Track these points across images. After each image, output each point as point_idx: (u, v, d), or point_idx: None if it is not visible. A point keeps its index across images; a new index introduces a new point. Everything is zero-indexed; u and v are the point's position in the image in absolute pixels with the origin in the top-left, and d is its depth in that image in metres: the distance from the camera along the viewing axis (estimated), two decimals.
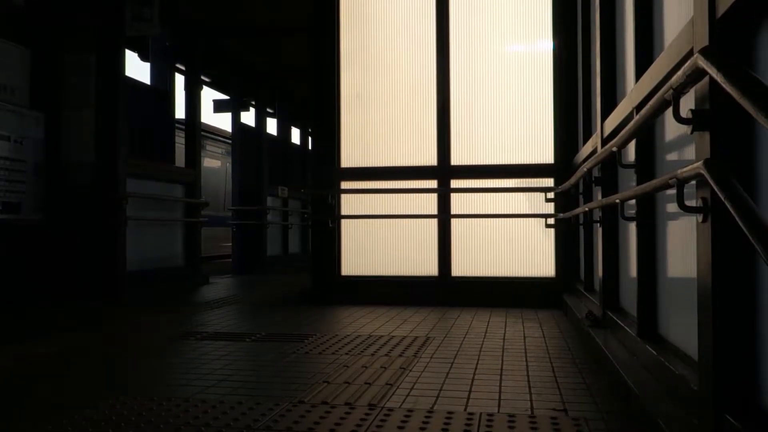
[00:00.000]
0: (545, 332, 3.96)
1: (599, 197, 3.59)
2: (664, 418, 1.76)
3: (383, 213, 5.65)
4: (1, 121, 5.00)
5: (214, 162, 13.97)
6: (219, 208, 12.59)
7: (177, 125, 7.62)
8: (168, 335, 3.93)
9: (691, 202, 1.70)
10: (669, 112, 1.76)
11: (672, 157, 2.39)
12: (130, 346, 3.69)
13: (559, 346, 3.48)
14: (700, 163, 1.48)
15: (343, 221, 5.76)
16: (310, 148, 11.85)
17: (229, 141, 11.45)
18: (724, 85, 1.28)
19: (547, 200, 5.37)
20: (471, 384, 2.62)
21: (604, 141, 3.40)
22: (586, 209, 3.96)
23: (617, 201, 2.72)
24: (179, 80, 7.73)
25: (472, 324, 4.30)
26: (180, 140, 7.69)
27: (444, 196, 5.59)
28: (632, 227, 2.87)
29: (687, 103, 1.80)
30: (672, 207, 2.33)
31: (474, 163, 5.59)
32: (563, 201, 5.24)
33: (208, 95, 48.17)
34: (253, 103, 10.41)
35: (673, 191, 1.77)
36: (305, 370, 2.89)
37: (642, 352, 2.43)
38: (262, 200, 9.89)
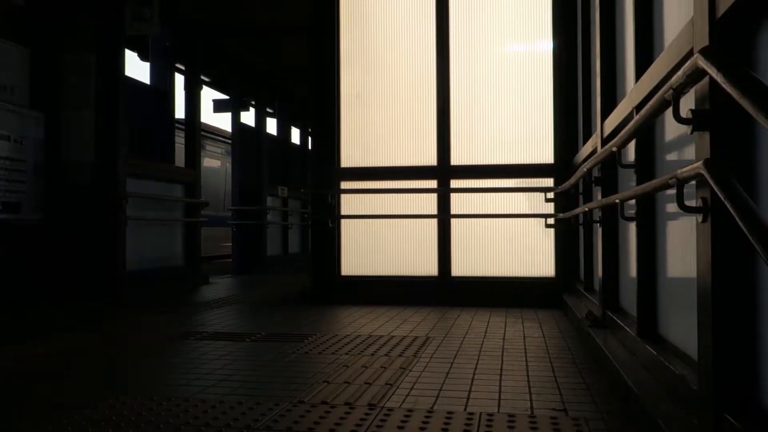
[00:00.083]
0: (545, 332, 3.97)
1: (599, 197, 3.59)
2: (664, 418, 1.76)
3: (383, 213, 5.65)
4: (1, 120, 5.00)
5: (214, 162, 13.97)
6: (219, 208, 12.59)
7: (177, 125, 7.62)
8: (168, 335, 3.93)
9: (691, 202, 1.70)
10: (669, 112, 1.76)
11: (672, 157, 2.39)
12: (130, 346, 3.69)
13: (558, 346, 3.48)
14: (700, 163, 1.48)
15: (343, 221, 5.76)
16: (310, 148, 11.85)
17: (229, 141, 11.44)
18: (724, 85, 1.28)
19: (547, 200, 5.37)
20: (471, 384, 2.62)
21: (604, 141, 3.40)
22: (586, 209, 3.96)
23: (617, 201, 2.72)
24: (179, 80, 7.74)
25: (471, 324, 4.30)
26: (180, 140, 7.69)
27: (444, 196, 5.60)
28: (632, 227, 2.87)
29: (687, 103, 1.80)
30: (672, 207, 2.33)
31: (474, 163, 5.59)
32: (563, 201, 5.24)
33: (208, 95, 48.20)
34: (253, 103, 10.41)
35: (672, 191, 1.77)
36: (305, 370, 2.89)
37: (642, 352, 2.43)
38: (262, 200, 9.89)
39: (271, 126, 11.45)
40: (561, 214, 5.14)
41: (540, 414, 2.18)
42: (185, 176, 7.48)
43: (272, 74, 10.26)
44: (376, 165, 5.73)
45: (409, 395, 2.44)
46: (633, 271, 2.87)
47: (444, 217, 5.57)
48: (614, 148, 2.63)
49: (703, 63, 1.43)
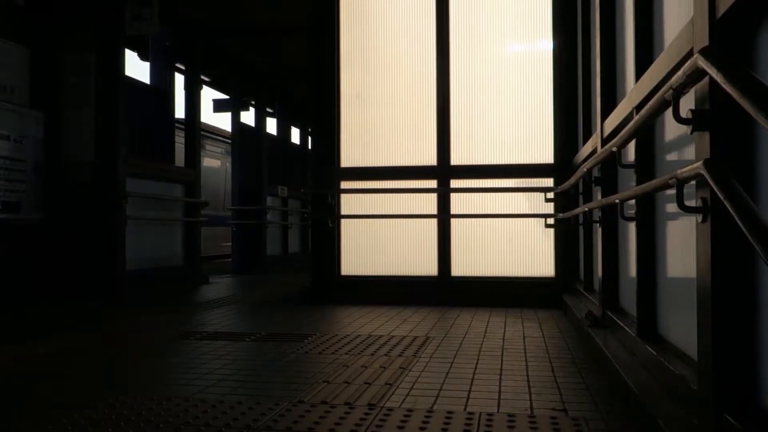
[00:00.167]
0: (545, 332, 3.97)
1: (599, 197, 3.59)
2: (664, 417, 1.76)
3: (383, 213, 5.65)
4: (1, 120, 5.01)
5: (214, 161, 13.97)
6: (219, 208, 12.59)
7: (177, 125, 7.62)
8: (168, 335, 3.93)
9: (690, 202, 1.70)
10: (669, 112, 1.76)
11: (672, 157, 2.39)
12: (130, 346, 3.69)
13: (558, 346, 3.48)
14: (699, 163, 1.48)
15: (343, 221, 5.76)
16: (309, 147, 11.85)
17: (229, 140, 11.45)
18: (724, 86, 1.28)
19: (547, 200, 5.37)
20: (471, 384, 2.62)
21: (604, 141, 3.40)
22: (586, 209, 3.96)
23: (617, 201, 2.72)
24: (179, 80, 7.74)
25: (471, 324, 4.30)
26: (180, 140, 7.69)
27: (444, 196, 5.60)
28: (632, 227, 2.87)
29: (687, 103, 1.80)
30: (672, 207, 2.33)
31: (474, 163, 5.59)
32: (563, 201, 5.24)
33: (208, 95, 48.19)
34: (253, 102, 10.41)
35: (672, 191, 1.77)
36: (305, 370, 2.89)
37: (642, 352, 2.43)
38: (261, 200, 9.89)
39: (271, 126, 11.47)
40: (561, 214, 5.14)
41: (540, 414, 2.18)
42: (185, 176, 7.48)
43: (272, 74, 10.26)
44: (376, 165, 5.73)
45: (409, 395, 2.44)
46: (633, 271, 2.87)
47: (444, 217, 5.57)
48: (614, 148, 2.63)
49: (703, 63, 1.43)
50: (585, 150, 4.38)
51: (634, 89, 2.70)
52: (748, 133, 1.54)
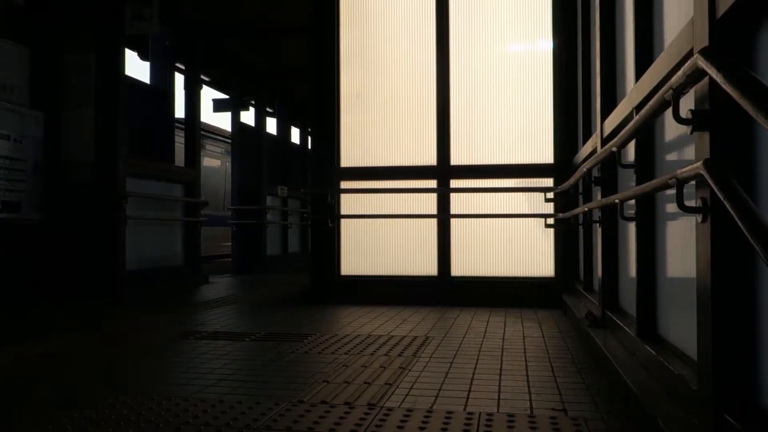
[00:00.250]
0: (544, 332, 3.97)
1: (599, 197, 3.59)
2: (664, 417, 1.77)
3: (383, 213, 5.65)
4: (1, 120, 5.01)
5: (214, 161, 13.97)
6: (219, 208, 12.59)
7: (177, 124, 7.62)
8: (168, 335, 3.93)
9: (690, 203, 1.70)
10: (669, 112, 1.76)
11: (672, 157, 2.39)
12: (130, 346, 3.69)
13: (558, 346, 3.48)
14: (699, 164, 1.48)
15: (343, 221, 5.76)
16: (309, 147, 11.85)
17: (229, 140, 11.44)
18: (723, 86, 1.29)
19: (547, 200, 5.37)
20: (470, 384, 2.62)
21: (604, 141, 3.40)
22: (586, 209, 3.96)
23: (617, 201, 2.72)
24: (179, 79, 7.74)
25: (471, 324, 4.30)
26: (180, 139, 7.69)
27: (443, 196, 5.60)
28: (632, 227, 2.87)
29: (687, 104, 1.80)
30: (671, 207, 2.33)
31: (474, 163, 5.59)
32: (563, 201, 5.24)
33: (208, 94, 48.17)
34: (253, 102, 10.41)
35: (672, 191, 1.77)
36: (305, 370, 2.89)
37: (641, 352, 2.43)
38: (261, 200, 9.89)
39: (271, 126, 11.47)
40: (561, 214, 5.14)
41: (539, 414, 2.18)
42: (185, 176, 7.48)
43: (272, 74, 10.26)
44: (375, 165, 5.73)
45: (409, 395, 2.44)
46: (632, 271, 2.87)
47: (444, 217, 5.57)
48: (614, 148, 2.63)
49: (703, 63, 1.43)
50: (585, 150, 4.38)
51: (634, 89, 2.70)
52: (748, 133, 1.54)
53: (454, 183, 5.60)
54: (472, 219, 5.54)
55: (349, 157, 5.79)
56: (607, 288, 3.38)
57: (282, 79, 10.77)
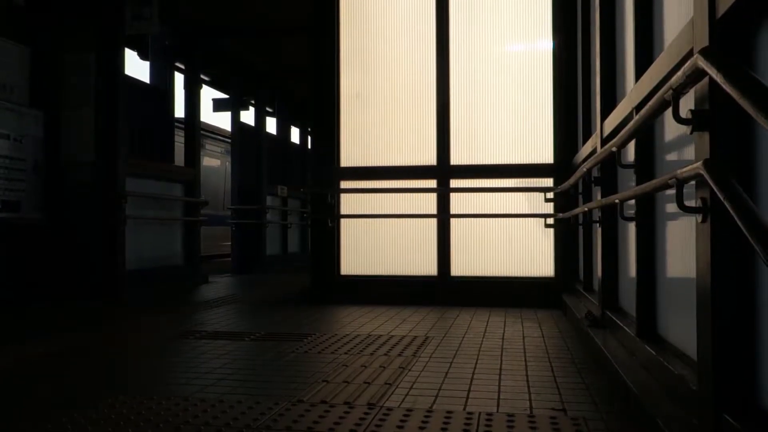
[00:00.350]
0: (544, 332, 3.97)
1: (599, 197, 3.59)
2: (664, 417, 1.77)
3: (383, 212, 5.65)
4: (1, 119, 5.01)
5: (214, 161, 13.97)
6: (218, 207, 12.59)
7: (176, 124, 7.62)
8: (167, 335, 3.93)
9: (690, 203, 1.70)
10: (669, 112, 1.76)
11: (671, 157, 2.39)
12: (130, 346, 3.69)
13: (558, 346, 3.48)
14: (699, 164, 1.48)
15: (343, 221, 5.76)
16: (309, 147, 11.85)
17: (229, 140, 11.44)
18: (723, 86, 1.29)
19: (547, 200, 5.37)
20: (470, 383, 2.62)
21: (604, 141, 3.40)
22: (586, 209, 3.96)
23: (616, 201, 2.72)
24: (179, 79, 7.74)
25: (471, 324, 4.30)
26: (179, 139, 7.69)
27: (443, 196, 5.60)
28: (631, 227, 2.87)
29: (687, 104, 1.80)
30: (671, 207, 2.33)
31: (473, 163, 5.59)
32: (563, 201, 5.24)
33: (208, 94, 48.10)
34: (253, 102, 10.41)
35: (672, 191, 1.77)
36: (304, 369, 2.89)
37: (641, 352, 2.43)
38: (261, 199, 9.89)
39: (271, 125, 11.47)
40: (560, 214, 5.14)
41: (539, 414, 2.18)
42: (185, 175, 7.48)
43: (272, 74, 10.26)
44: (375, 165, 5.73)
45: (409, 395, 2.44)
46: (632, 271, 2.87)
47: (443, 216, 5.57)
48: (614, 148, 2.63)
49: (702, 63, 1.43)
50: (585, 150, 4.38)
51: (633, 89, 2.70)
52: (748, 133, 1.54)
53: (454, 183, 5.60)
54: (472, 219, 5.54)
55: (348, 157, 5.79)
56: (607, 288, 3.38)
57: (282, 79, 10.77)
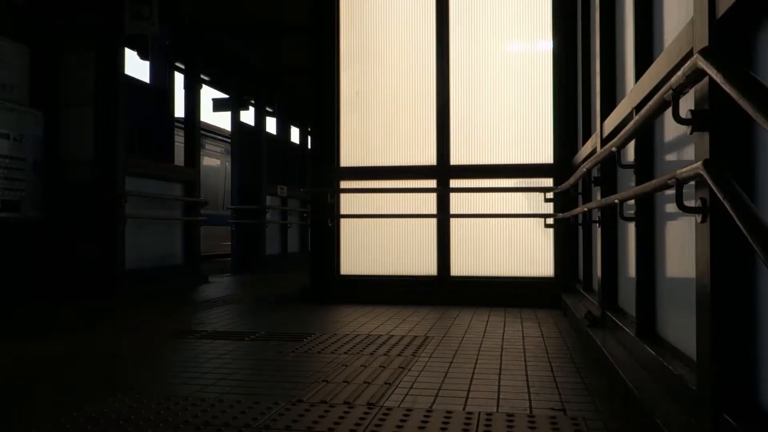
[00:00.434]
0: (544, 332, 3.97)
1: (598, 197, 3.59)
2: (663, 417, 1.77)
3: (382, 212, 5.65)
4: (1, 119, 5.00)
5: (214, 161, 13.96)
6: (218, 207, 12.59)
7: (176, 124, 7.62)
8: (167, 334, 3.93)
9: (690, 203, 1.70)
10: (668, 112, 1.77)
11: (671, 157, 2.39)
12: (130, 346, 3.68)
13: (557, 346, 3.48)
14: (699, 164, 1.48)
15: (343, 220, 5.76)
16: (309, 147, 11.85)
17: (229, 140, 11.44)
18: (723, 86, 1.29)
19: (547, 200, 5.37)
20: (470, 383, 2.62)
21: (604, 141, 3.40)
22: (585, 209, 3.96)
23: (616, 201, 2.72)
24: (179, 79, 7.73)
25: (471, 323, 4.30)
26: (179, 139, 7.69)
27: (443, 196, 5.60)
28: (631, 227, 2.87)
29: (686, 104, 1.80)
30: (671, 207, 2.33)
31: (473, 163, 5.59)
32: (562, 201, 5.24)
33: (208, 94, 48.00)
34: (253, 102, 10.41)
35: (672, 191, 1.77)
36: (304, 369, 2.89)
37: (641, 352, 2.43)
38: (261, 199, 9.89)
39: (271, 125, 11.46)
40: (560, 214, 5.14)
41: (539, 414, 2.18)
42: (185, 175, 7.48)
43: (272, 74, 10.26)
44: (375, 164, 5.73)
45: (408, 394, 2.44)
46: (632, 271, 2.87)
47: (443, 216, 5.57)
48: (614, 148, 2.63)
49: (702, 63, 1.43)
50: (584, 150, 4.38)
51: (633, 89, 2.70)
52: (748, 133, 1.54)
53: (454, 183, 5.60)
54: (472, 219, 5.54)
55: (348, 157, 5.79)
56: (607, 288, 3.39)
57: (282, 79, 10.76)
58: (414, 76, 5.71)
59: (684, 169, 1.63)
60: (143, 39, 7.03)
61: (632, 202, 2.75)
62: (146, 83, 7.13)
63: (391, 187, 5.65)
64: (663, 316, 2.48)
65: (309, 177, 9.02)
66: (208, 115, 30.06)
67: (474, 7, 5.64)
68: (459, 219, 5.57)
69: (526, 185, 5.54)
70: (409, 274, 5.62)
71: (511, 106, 5.54)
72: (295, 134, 12.87)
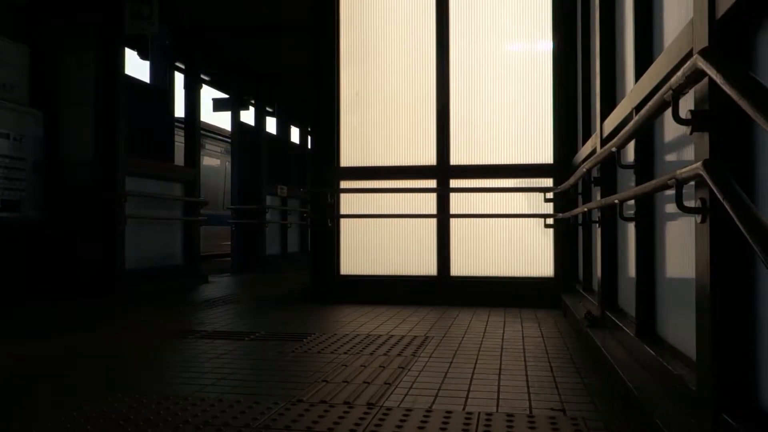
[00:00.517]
0: (544, 332, 3.97)
1: (598, 197, 3.59)
2: (663, 417, 1.77)
3: (382, 212, 5.65)
4: (1, 118, 5.00)
5: (214, 161, 13.96)
6: (218, 207, 12.59)
7: (176, 124, 7.62)
8: (167, 334, 3.93)
9: (690, 203, 1.70)
10: (668, 112, 1.77)
11: (671, 157, 2.39)
12: (130, 345, 3.69)
13: (557, 346, 3.49)
14: (699, 164, 1.48)
15: (342, 220, 5.76)
16: (309, 147, 11.85)
17: (229, 140, 11.44)
18: (723, 86, 1.29)
19: (546, 200, 5.37)
20: (469, 383, 2.62)
21: (604, 141, 3.40)
22: (585, 209, 3.96)
23: (616, 201, 2.72)
24: (179, 79, 7.74)
25: (470, 323, 4.30)
26: (179, 139, 7.69)
27: (443, 196, 5.60)
28: (631, 227, 2.87)
29: (686, 104, 1.80)
30: (671, 207, 2.33)
31: (473, 163, 5.59)
32: (562, 201, 5.24)
33: (208, 94, 48.02)
34: (253, 102, 10.41)
35: (672, 192, 1.77)
36: (304, 369, 2.89)
37: (640, 352, 2.43)
38: (261, 199, 9.89)
39: (271, 125, 11.46)
40: (560, 214, 5.14)
41: (538, 414, 2.18)
42: (185, 175, 7.48)
43: (272, 74, 10.26)
44: (375, 164, 5.73)
45: (408, 394, 2.44)
46: (632, 271, 2.87)
47: (443, 216, 5.57)
48: (614, 149, 2.63)
49: (702, 64, 1.43)
50: (584, 150, 4.38)
51: (633, 90, 2.70)
52: (748, 133, 1.55)
53: (454, 183, 5.60)
54: (472, 219, 5.54)
55: (348, 157, 5.79)
56: (607, 288, 3.39)
57: (282, 79, 10.77)
58: (414, 76, 5.71)
59: (684, 170, 1.63)
60: (143, 39, 7.03)
61: (632, 202, 2.75)
62: (146, 83, 7.13)
63: (391, 187, 5.65)
64: (663, 316, 2.48)
65: (309, 177, 9.02)
66: (208, 115, 30.10)
67: (474, 7, 5.64)
68: (459, 219, 5.57)
69: (526, 185, 5.54)
70: (409, 274, 5.62)
71: (511, 106, 5.54)
72: (295, 134, 12.88)
